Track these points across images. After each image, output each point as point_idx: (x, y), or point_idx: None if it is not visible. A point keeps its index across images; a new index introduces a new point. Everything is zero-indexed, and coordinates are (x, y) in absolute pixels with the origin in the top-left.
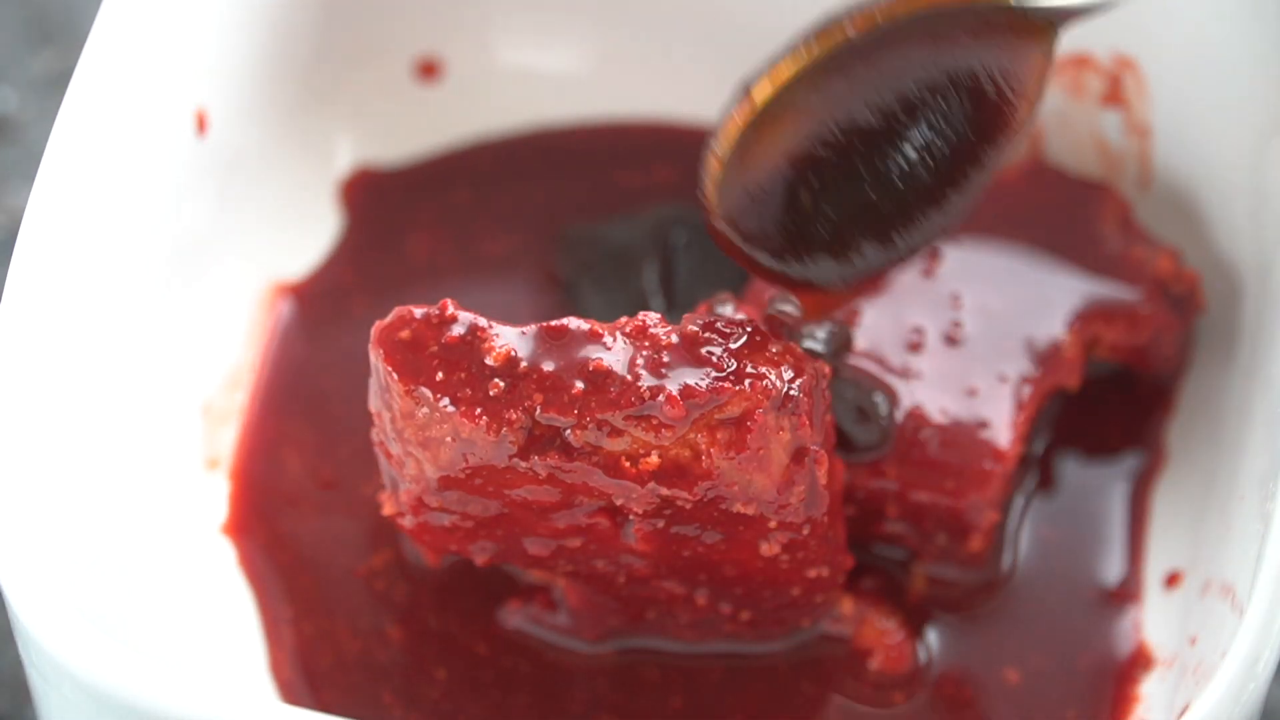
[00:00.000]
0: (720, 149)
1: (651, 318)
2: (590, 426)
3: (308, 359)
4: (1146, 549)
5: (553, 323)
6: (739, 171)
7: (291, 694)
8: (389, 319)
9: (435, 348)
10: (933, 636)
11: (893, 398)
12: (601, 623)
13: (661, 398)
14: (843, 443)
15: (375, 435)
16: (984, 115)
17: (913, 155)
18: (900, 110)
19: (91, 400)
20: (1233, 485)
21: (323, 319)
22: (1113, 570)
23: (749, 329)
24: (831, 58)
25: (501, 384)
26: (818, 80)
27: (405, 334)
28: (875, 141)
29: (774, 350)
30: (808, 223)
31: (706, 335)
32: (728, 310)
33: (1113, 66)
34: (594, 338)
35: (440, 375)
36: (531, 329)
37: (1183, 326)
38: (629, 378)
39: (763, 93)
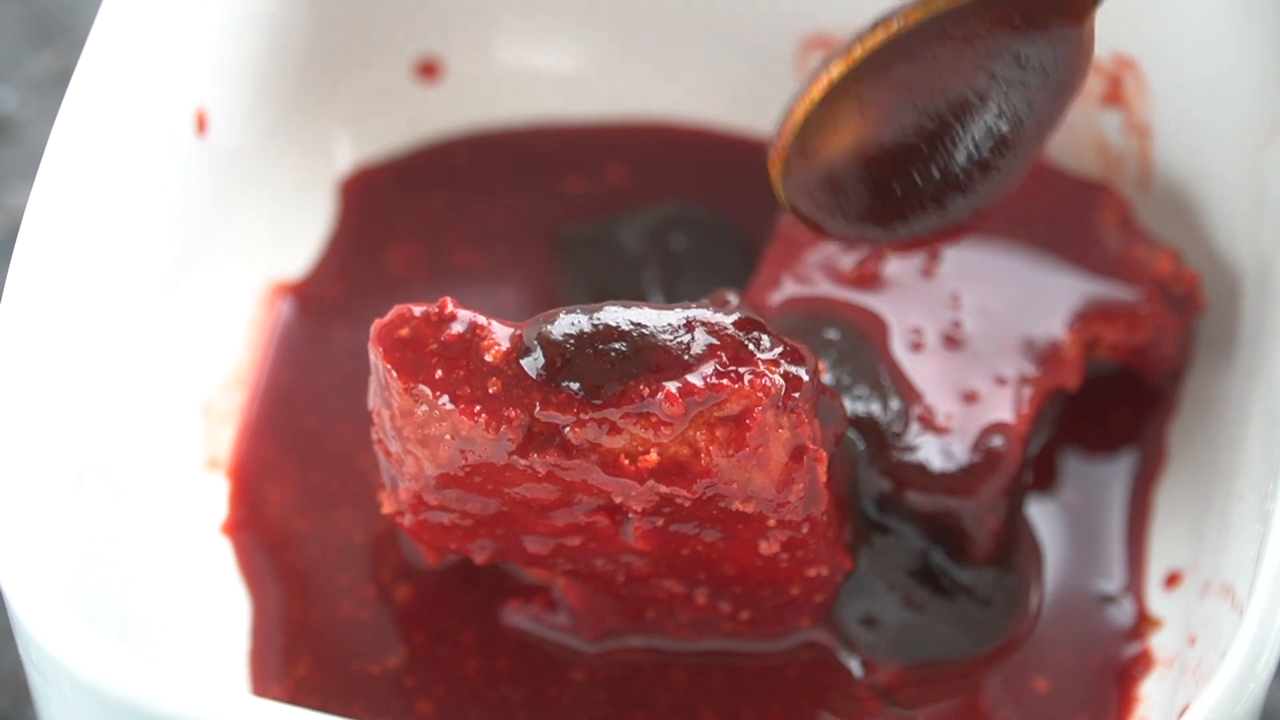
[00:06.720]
0: (782, 143)
1: None
2: (589, 424)
3: (308, 358)
4: (1147, 549)
5: None
6: (800, 162)
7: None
8: (388, 317)
9: (434, 345)
10: None
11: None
12: (601, 622)
13: (661, 395)
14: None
15: (374, 433)
16: (1030, 97)
17: (963, 138)
18: (947, 102)
19: (91, 400)
20: (1233, 485)
21: (322, 318)
22: (1113, 570)
23: (749, 327)
24: (877, 54)
25: (500, 382)
26: (867, 76)
27: (404, 332)
28: (928, 127)
29: (774, 348)
30: (869, 199)
31: (706, 334)
32: (734, 302)
33: (1113, 66)
34: None
35: (439, 373)
36: None
37: (1183, 326)
38: None
39: (820, 89)
